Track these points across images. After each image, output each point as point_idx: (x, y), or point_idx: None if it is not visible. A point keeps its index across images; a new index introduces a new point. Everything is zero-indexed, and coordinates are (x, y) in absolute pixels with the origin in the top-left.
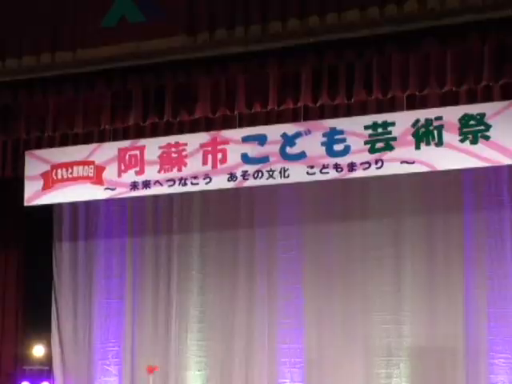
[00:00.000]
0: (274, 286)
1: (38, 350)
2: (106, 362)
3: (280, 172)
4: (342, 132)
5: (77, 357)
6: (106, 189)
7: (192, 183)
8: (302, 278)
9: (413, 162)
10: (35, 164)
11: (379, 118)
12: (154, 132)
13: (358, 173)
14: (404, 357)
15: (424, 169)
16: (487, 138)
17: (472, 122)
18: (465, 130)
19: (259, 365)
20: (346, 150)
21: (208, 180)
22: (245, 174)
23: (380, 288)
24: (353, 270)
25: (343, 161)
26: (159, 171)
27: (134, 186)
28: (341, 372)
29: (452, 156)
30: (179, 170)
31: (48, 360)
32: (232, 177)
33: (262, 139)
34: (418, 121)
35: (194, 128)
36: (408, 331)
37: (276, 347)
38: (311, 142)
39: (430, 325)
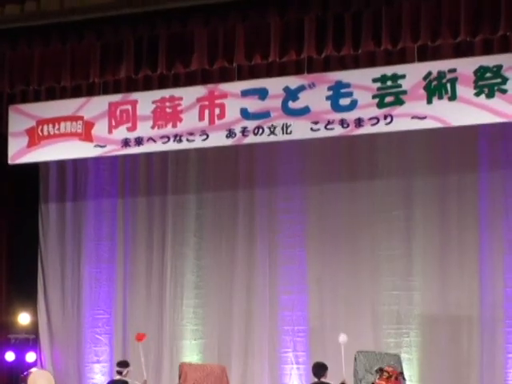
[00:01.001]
0: (275, 250)
1: (23, 318)
2: (96, 331)
3: (282, 128)
4: (348, 85)
5: (65, 325)
6: (95, 146)
7: (188, 140)
8: (305, 241)
9: (424, 118)
10: (20, 119)
11: (388, 70)
12: (147, 85)
13: (366, 129)
14: (414, 325)
15: (436, 124)
16: (504, 91)
17: (488, 75)
18: (480, 83)
19: (259, 334)
20: (353, 105)
21: (205, 137)
22: (244, 131)
23: (389, 252)
24: (360, 234)
25: (350, 116)
26: (152, 127)
27: (126, 143)
28: (347, 341)
29: (466, 111)
30: (174, 125)
31: (34, 328)
32: (230, 133)
33: (262, 93)
34: (429, 73)
35: (189, 81)
36: (419, 298)
37: (277, 315)
38: (315, 96)
39: (442, 291)
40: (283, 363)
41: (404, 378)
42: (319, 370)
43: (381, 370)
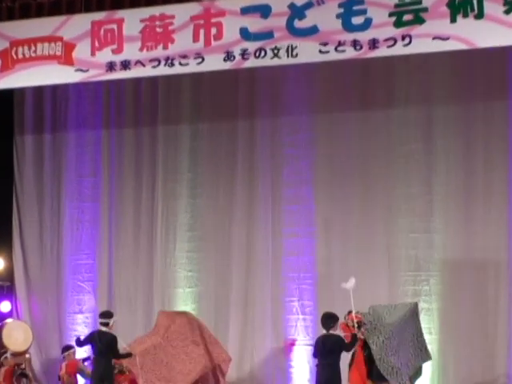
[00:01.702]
0: (278, 188)
1: None
2: (78, 278)
3: (287, 50)
4: (361, 1)
5: (43, 271)
6: (76, 70)
7: (180, 64)
8: (312, 178)
9: (447, 38)
10: None
11: None
12: (135, 2)
13: (381, 51)
14: (435, 271)
15: (461, 46)
16: None
17: None
18: None
19: (261, 281)
20: (367, 24)
21: (200, 60)
22: (244, 53)
23: (407, 190)
24: (374, 169)
25: (363, 36)
26: (141, 49)
27: (111, 66)
28: (359, 289)
29: (494, 30)
30: (165, 47)
31: (8, 275)
32: (229, 56)
33: (265, 10)
34: None
35: None
36: (439, 241)
37: (281, 260)
38: (324, 14)
39: (465, 233)
40: (288, 313)
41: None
42: (328, 320)
43: (349, 313)
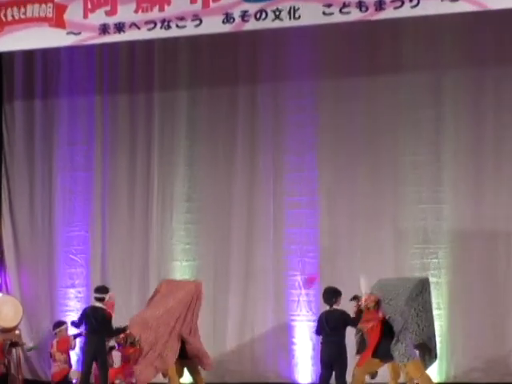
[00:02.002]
0: (280, 155)
1: None
2: (70, 250)
3: (289, 12)
4: None
5: (34, 244)
6: (68, 33)
7: (177, 26)
8: (316, 145)
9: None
10: None
11: None
12: None
13: (388, 13)
14: (444, 244)
15: (471, 8)
16: None
17: None
18: None
19: (262, 254)
20: None
21: (198, 22)
22: (244, 15)
23: (414, 158)
24: (380, 136)
25: None
26: (136, 11)
27: (104, 29)
28: (364, 262)
29: None
30: (161, 9)
31: None
32: (228, 18)
33: None
34: None
35: None
36: (449, 212)
37: (283, 232)
38: None
39: (476, 203)
40: (290, 288)
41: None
42: (331, 295)
43: (355, 298)
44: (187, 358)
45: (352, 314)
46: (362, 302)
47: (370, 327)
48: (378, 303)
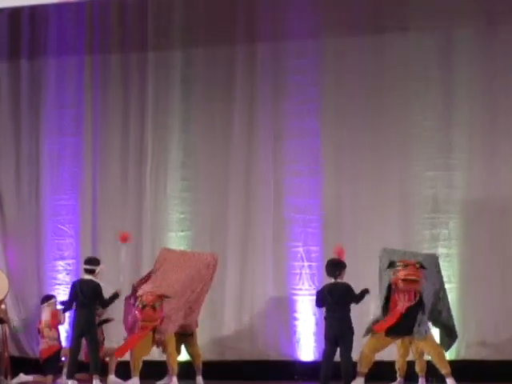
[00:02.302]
0: (281, 120)
1: None
2: (59, 220)
3: None
4: None
5: (20, 213)
6: None
7: None
8: (319, 108)
9: None
10: None
11: None
12: None
13: None
14: (454, 213)
15: None
16: None
17: None
18: None
19: (262, 224)
20: None
21: None
22: None
23: (423, 122)
24: (387, 98)
25: None
26: None
27: None
28: (369, 233)
29: None
30: None
31: None
32: None
33: None
34: None
35: None
36: (460, 179)
37: (284, 201)
38: None
39: (489, 170)
40: (291, 260)
41: (424, 268)
42: (335, 268)
43: (392, 264)
44: (186, 333)
45: (385, 283)
46: (407, 261)
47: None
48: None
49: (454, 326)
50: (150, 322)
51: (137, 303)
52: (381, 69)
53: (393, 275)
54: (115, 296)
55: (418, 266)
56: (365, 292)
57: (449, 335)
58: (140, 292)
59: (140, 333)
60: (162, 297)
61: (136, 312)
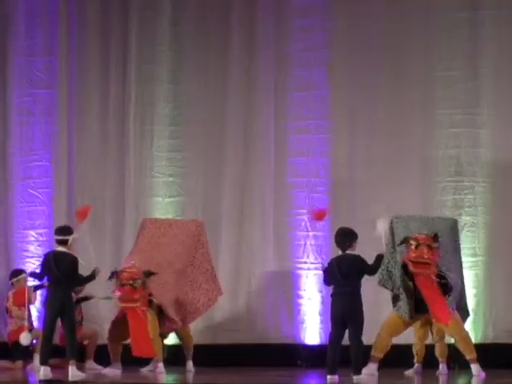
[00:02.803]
0: (283, 69)
1: None
2: (29, 184)
3: None
4: None
5: None
6: None
7: None
8: (328, 56)
9: None
10: None
11: None
12: None
13: None
14: (481, 177)
15: None
16: None
17: None
18: None
19: (262, 188)
20: None
21: None
22: None
23: (448, 73)
24: (407, 45)
25: None
26: None
27: None
28: (384, 199)
29: None
30: None
31: None
32: None
33: None
34: None
35: None
36: (487, 138)
37: (286, 161)
38: None
39: None
40: (294, 230)
41: (437, 240)
42: (345, 238)
43: (405, 241)
44: None
45: (399, 260)
46: (420, 239)
47: (431, 272)
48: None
49: (466, 302)
50: (129, 302)
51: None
52: (398, 12)
53: (405, 251)
54: (91, 277)
55: (434, 245)
56: (380, 258)
57: (462, 312)
58: (120, 267)
59: (119, 315)
60: (144, 274)
61: (115, 290)
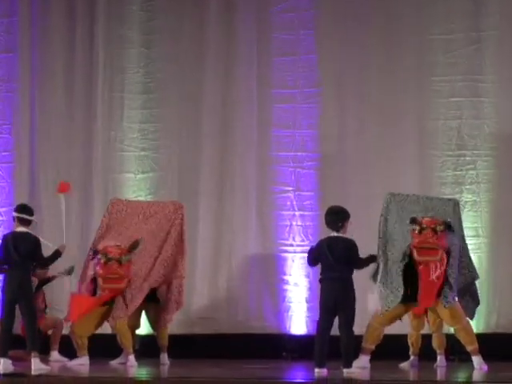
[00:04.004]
0: (266, 32)
1: None
2: None
3: None
4: None
5: None
6: None
7: None
8: (315, 18)
9: None
10: None
11: None
12: None
13: None
14: (483, 150)
15: None
16: None
17: None
18: None
19: (243, 162)
20: None
21: None
22: None
23: (447, 36)
24: (401, 4)
25: None
26: None
27: None
28: (378, 174)
29: None
30: None
31: None
32: None
33: None
34: None
35: None
36: (491, 108)
37: (270, 134)
38: None
39: None
40: (279, 208)
41: (451, 229)
42: (337, 218)
43: (413, 222)
44: (153, 300)
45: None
46: (424, 223)
47: (439, 258)
48: (448, 227)
49: (476, 288)
50: (115, 279)
51: (98, 257)
52: None
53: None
54: (57, 253)
55: (439, 228)
56: (371, 259)
57: (472, 300)
58: (100, 246)
59: (102, 296)
60: (129, 251)
61: (97, 268)
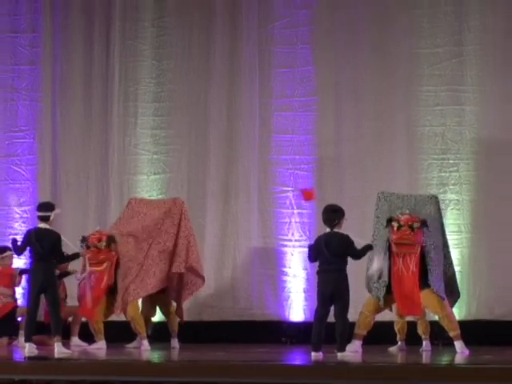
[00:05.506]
0: (267, 46)
1: None
2: (13, 161)
3: None
4: None
5: None
6: None
7: None
8: (312, 33)
9: None
10: None
11: None
12: None
13: None
14: (466, 154)
15: None
16: None
17: None
18: None
19: (245, 165)
20: None
21: None
22: None
23: (433, 50)
24: (391, 21)
25: None
26: None
27: None
28: (370, 175)
29: None
30: None
31: None
32: None
33: None
34: None
35: None
36: (472, 116)
37: (271, 138)
38: None
39: (505, 106)
40: (279, 207)
41: (426, 226)
42: (333, 215)
43: (389, 221)
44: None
45: (385, 240)
46: (402, 220)
47: (415, 251)
48: (424, 224)
49: (456, 280)
50: (95, 263)
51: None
52: None
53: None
54: (75, 255)
55: (415, 225)
56: (367, 248)
57: (452, 291)
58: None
59: (95, 288)
60: (107, 237)
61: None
